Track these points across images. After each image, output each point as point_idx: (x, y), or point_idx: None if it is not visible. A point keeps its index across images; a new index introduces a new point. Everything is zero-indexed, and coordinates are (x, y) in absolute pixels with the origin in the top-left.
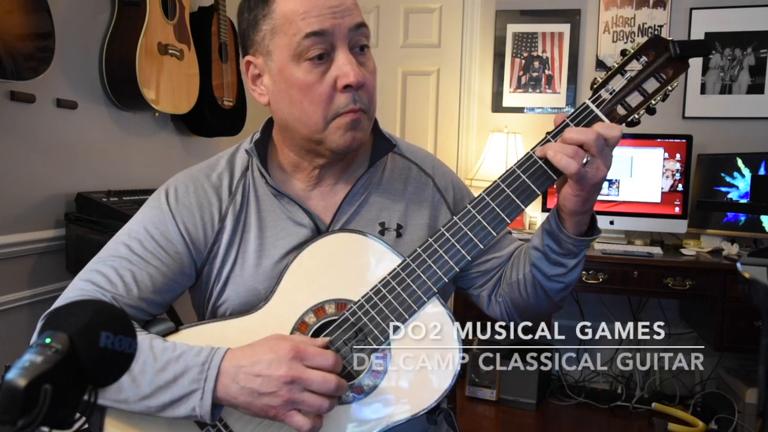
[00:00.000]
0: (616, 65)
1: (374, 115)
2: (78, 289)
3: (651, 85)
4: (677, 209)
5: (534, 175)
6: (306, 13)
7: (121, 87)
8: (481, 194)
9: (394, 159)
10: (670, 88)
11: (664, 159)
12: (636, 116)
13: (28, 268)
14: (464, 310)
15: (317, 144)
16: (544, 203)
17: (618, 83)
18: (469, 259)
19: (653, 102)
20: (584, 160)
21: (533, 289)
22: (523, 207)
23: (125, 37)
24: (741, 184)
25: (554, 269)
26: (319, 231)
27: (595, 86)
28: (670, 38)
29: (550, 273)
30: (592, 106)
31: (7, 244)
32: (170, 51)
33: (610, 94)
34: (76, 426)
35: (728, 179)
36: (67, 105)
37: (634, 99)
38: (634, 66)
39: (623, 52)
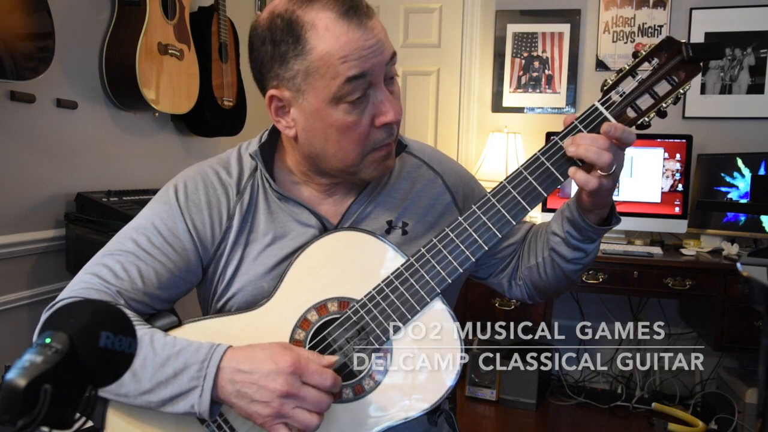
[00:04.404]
0: (628, 67)
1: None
2: (83, 282)
3: (662, 87)
4: (677, 209)
5: (541, 177)
6: (345, 57)
7: (121, 87)
8: (486, 195)
9: (403, 157)
10: (681, 91)
11: (664, 159)
12: (646, 119)
13: (28, 268)
14: (464, 309)
15: (349, 174)
16: (544, 202)
17: (629, 85)
18: (473, 260)
19: (664, 105)
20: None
21: (552, 271)
22: (528, 209)
23: (125, 37)
24: (741, 184)
25: (574, 254)
26: (326, 231)
27: (605, 88)
28: (683, 41)
29: (570, 257)
30: (602, 108)
31: (7, 244)
32: (170, 51)
33: (620, 96)
34: (77, 426)
35: (728, 179)
36: (67, 105)
37: (645, 102)
38: (646, 68)
39: (635, 54)
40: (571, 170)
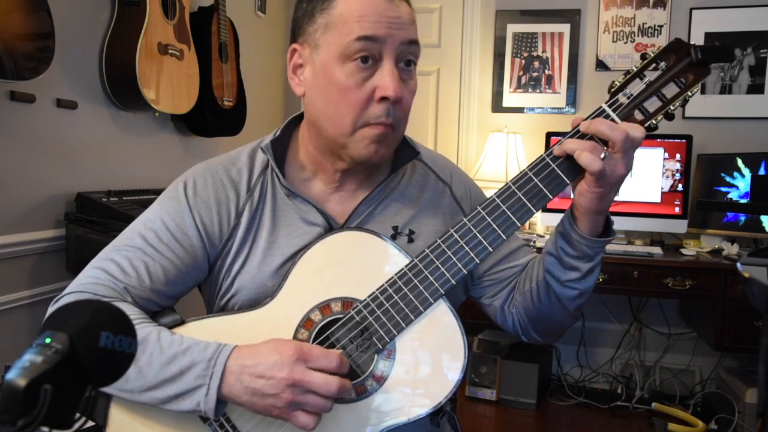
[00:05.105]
0: (636, 69)
1: (403, 133)
2: (91, 276)
3: (670, 90)
4: (677, 209)
5: (547, 178)
6: (363, 16)
7: (121, 87)
8: (491, 197)
9: (414, 165)
10: (689, 93)
11: (664, 159)
12: (653, 121)
13: (28, 268)
14: (464, 309)
15: (340, 148)
16: None
17: (636, 87)
18: (477, 261)
19: (672, 107)
20: (602, 156)
21: (547, 296)
22: (534, 211)
23: (125, 37)
24: (741, 184)
25: (568, 274)
26: (332, 230)
27: (612, 90)
28: (692, 43)
29: (563, 278)
30: (609, 110)
31: (7, 244)
32: (170, 51)
33: (628, 98)
34: (77, 425)
35: (728, 179)
36: (67, 105)
37: (653, 104)
38: (654, 70)
39: (643, 56)
40: (577, 152)
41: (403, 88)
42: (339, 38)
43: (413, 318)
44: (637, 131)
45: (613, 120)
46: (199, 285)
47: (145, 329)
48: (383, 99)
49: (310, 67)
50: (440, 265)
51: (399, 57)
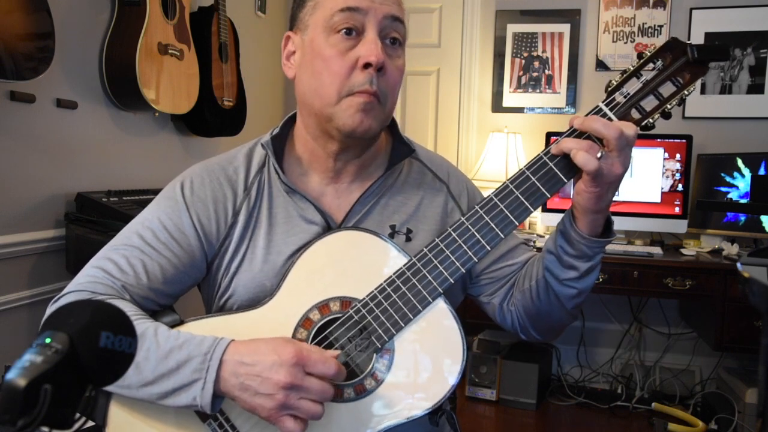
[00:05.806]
0: (632, 68)
1: (391, 111)
2: (89, 275)
3: (667, 89)
4: (677, 209)
5: (544, 177)
6: None
7: (121, 87)
8: (489, 195)
9: (411, 164)
10: (686, 92)
11: (664, 159)
12: (650, 120)
13: (28, 268)
14: (464, 309)
15: (327, 121)
16: (544, 203)
17: (633, 86)
18: (476, 260)
19: (669, 106)
20: (599, 155)
21: (546, 294)
22: (532, 209)
23: (125, 37)
24: (741, 184)
25: (566, 273)
26: (329, 229)
27: (609, 89)
28: (689, 42)
29: (562, 277)
30: (606, 109)
31: (7, 244)
32: (170, 51)
33: (625, 97)
34: (77, 425)
35: (728, 179)
36: (67, 105)
37: (649, 103)
38: (650, 69)
39: (640, 55)
40: (573, 151)
41: (387, 58)
42: (324, 13)
43: (412, 317)
44: (630, 129)
45: (609, 119)
46: (199, 285)
47: (142, 325)
48: (366, 66)
49: (299, 51)
50: (438, 264)
51: (383, 32)
